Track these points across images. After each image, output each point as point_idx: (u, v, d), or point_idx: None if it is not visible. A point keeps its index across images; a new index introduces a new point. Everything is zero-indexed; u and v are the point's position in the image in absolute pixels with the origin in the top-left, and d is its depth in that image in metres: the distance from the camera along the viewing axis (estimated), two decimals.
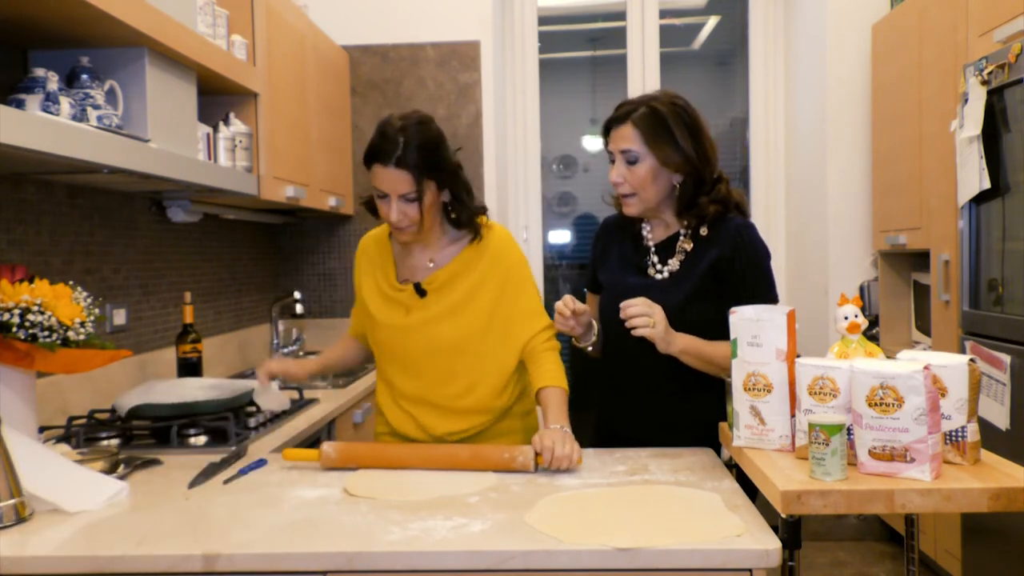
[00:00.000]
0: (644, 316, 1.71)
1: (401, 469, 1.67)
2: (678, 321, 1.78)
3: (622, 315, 1.73)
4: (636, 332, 1.71)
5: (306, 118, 3.10)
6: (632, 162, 1.85)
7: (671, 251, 1.91)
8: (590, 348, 1.94)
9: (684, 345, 1.76)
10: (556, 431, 1.70)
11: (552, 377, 1.86)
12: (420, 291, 1.92)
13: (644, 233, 1.96)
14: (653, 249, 1.94)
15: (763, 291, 1.84)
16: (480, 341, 1.91)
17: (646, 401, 1.92)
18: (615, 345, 1.94)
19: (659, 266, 1.91)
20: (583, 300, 2.08)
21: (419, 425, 1.95)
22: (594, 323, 1.92)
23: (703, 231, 1.89)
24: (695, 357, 1.79)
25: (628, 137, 1.85)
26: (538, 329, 1.92)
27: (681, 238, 1.91)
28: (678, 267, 1.89)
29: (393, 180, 1.79)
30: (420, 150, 1.79)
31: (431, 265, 1.94)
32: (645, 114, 1.84)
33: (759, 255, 1.87)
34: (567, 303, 1.82)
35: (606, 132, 1.91)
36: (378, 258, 2.00)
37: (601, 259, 2.03)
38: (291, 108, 2.92)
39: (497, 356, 1.92)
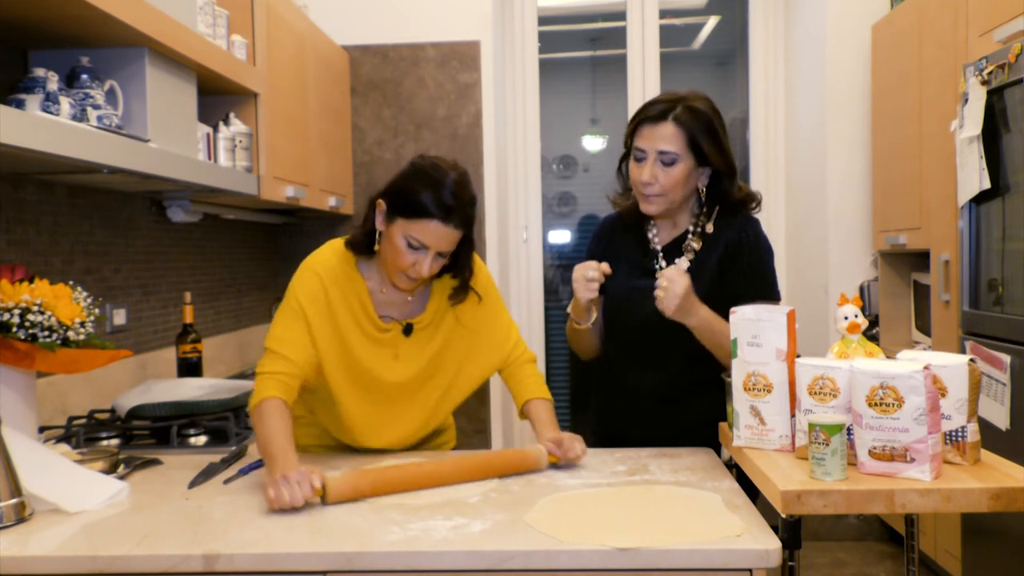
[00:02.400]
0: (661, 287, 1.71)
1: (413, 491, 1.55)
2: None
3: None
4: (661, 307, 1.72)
5: (306, 118, 3.10)
6: (669, 163, 1.80)
7: (678, 252, 1.90)
8: (589, 325, 1.90)
9: (703, 317, 1.75)
10: (561, 434, 1.73)
11: (537, 390, 1.85)
12: (408, 332, 1.79)
13: (650, 236, 1.94)
14: (661, 252, 1.92)
15: (765, 289, 1.84)
16: (459, 370, 1.85)
17: (648, 403, 1.92)
18: (619, 347, 1.93)
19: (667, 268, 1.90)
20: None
21: (358, 438, 1.82)
22: (594, 307, 1.90)
23: (709, 228, 1.88)
24: (708, 334, 1.77)
25: (668, 137, 1.79)
26: (513, 343, 1.89)
27: (689, 237, 1.89)
28: (687, 267, 1.87)
29: (444, 237, 1.66)
30: (472, 207, 1.69)
31: (411, 300, 1.81)
32: (686, 112, 1.79)
33: (763, 252, 1.87)
34: (595, 267, 1.79)
35: (635, 129, 1.84)
36: (352, 292, 1.76)
37: (602, 259, 1.99)
38: (291, 108, 2.92)
39: (471, 378, 1.87)
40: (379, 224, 1.71)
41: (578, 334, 1.95)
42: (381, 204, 1.70)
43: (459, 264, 1.78)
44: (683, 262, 1.88)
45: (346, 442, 1.86)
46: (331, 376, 1.75)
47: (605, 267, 1.80)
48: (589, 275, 1.79)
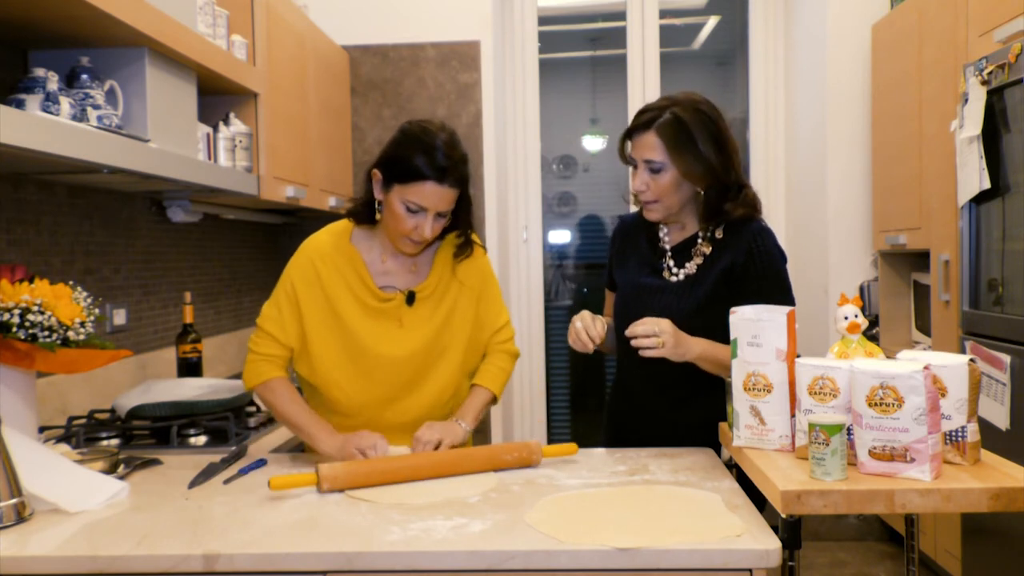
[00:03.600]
0: (652, 336, 1.69)
1: (409, 482, 1.59)
2: (691, 325, 1.77)
3: (629, 338, 1.71)
4: (644, 354, 1.70)
5: (306, 118, 3.10)
6: (656, 171, 1.82)
7: (687, 254, 1.90)
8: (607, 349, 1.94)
9: (700, 351, 1.75)
10: (447, 424, 1.76)
11: (490, 380, 1.88)
12: (411, 300, 1.83)
13: (661, 235, 1.95)
14: (669, 252, 1.92)
15: (779, 297, 1.83)
16: (461, 345, 1.87)
17: (654, 401, 1.92)
18: (625, 344, 1.93)
19: (675, 269, 1.90)
20: (593, 303, 2.08)
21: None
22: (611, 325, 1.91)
23: (719, 234, 1.87)
24: (712, 363, 1.77)
25: (651, 146, 1.81)
26: (500, 325, 1.93)
27: (699, 242, 1.89)
28: (695, 271, 1.87)
29: (441, 197, 1.70)
30: (464, 165, 1.73)
31: (414, 269, 1.85)
32: (669, 122, 1.79)
33: (775, 260, 1.86)
34: (589, 329, 1.77)
35: (628, 137, 1.87)
36: (347, 266, 1.81)
37: (618, 258, 2.03)
38: (291, 108, 2.92)
39: (474, 355, 1.90)
40: (377, 194, 1.77)
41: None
42: (376, 174, 1.76)
43: (460, 222, 1.82)
44: (691, 266, 1.88)
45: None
46: (328, 361, 1.78)
47: (600, 329, 1.78)
48: (582, 336, 1.78)
